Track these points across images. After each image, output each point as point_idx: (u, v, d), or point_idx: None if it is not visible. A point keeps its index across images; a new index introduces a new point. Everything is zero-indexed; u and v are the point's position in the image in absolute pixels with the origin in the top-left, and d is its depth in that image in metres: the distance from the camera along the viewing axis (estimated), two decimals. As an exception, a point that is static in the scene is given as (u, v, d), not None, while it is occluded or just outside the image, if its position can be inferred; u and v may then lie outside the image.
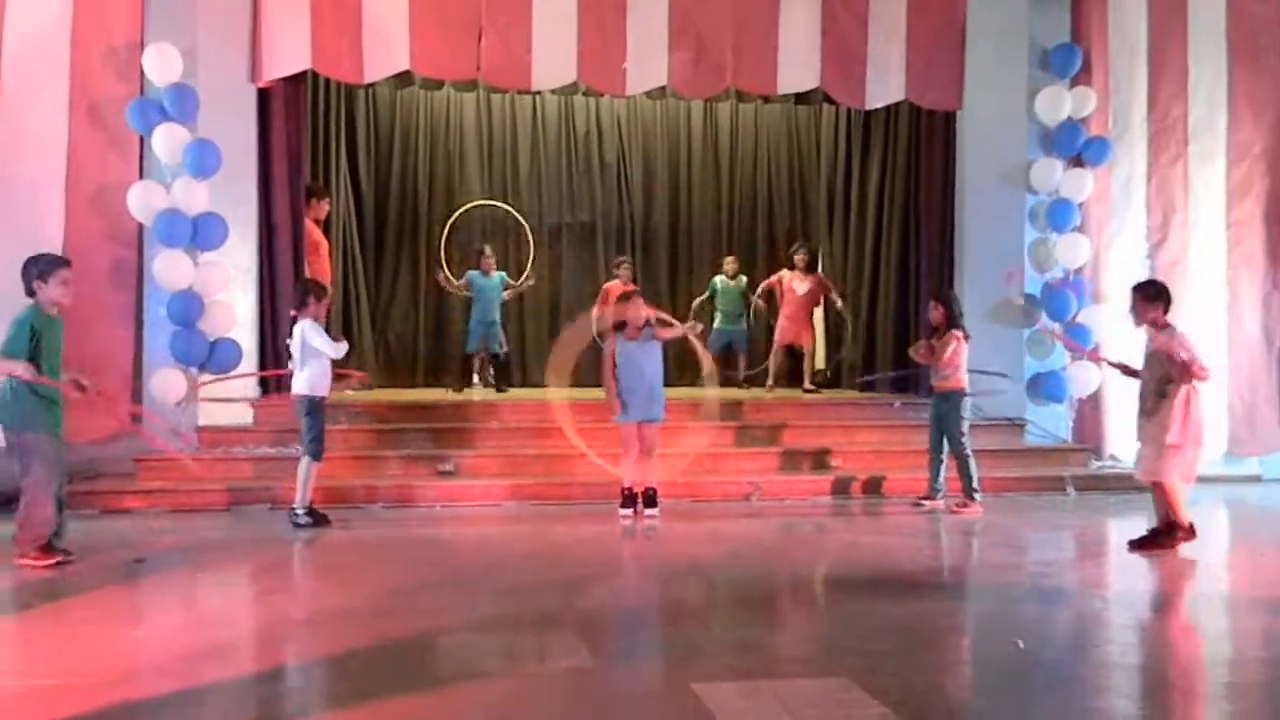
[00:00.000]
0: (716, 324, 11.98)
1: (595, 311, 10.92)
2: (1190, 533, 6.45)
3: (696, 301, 12.13)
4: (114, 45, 8.62)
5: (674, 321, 8.24)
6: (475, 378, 11.77)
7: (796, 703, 3.80)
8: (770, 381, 11.31)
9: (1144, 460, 6.51)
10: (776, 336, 11.43)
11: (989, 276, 9.89)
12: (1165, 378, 6.33)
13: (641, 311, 7.85)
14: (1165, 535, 6.51)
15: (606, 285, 11.78)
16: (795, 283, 11.34)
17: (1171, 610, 5.74)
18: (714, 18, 9.44)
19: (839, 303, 11.56)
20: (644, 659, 4.62)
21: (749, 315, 11.99)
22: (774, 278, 11.61)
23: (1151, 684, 4.37)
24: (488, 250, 11.47)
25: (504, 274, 11.56)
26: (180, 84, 8.52)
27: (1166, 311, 6.49)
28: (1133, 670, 4.50)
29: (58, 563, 5.97)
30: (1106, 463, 9.67)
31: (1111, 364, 7.53)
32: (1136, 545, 6.59)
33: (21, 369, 5.70)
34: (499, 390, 11.18)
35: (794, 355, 11.78)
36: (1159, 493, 6.48)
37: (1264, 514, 9.02)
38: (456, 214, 12.21)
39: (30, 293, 5.85)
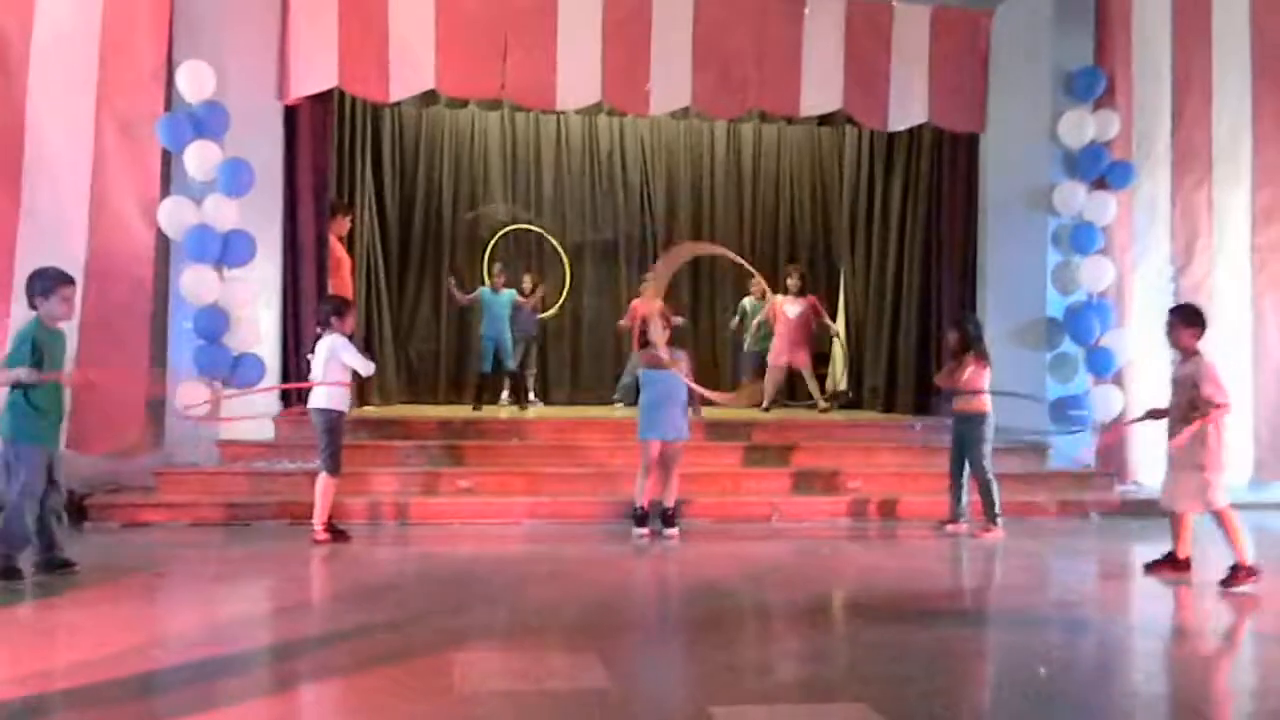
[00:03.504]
0: (747, 345, 12.07)
1: (623, 324, 11.57)
2: (1251, 573, 6.26)
3: (734, 323, 12.22)
4: (141, 62, 8.68)
5: (658, 344, 7.78)
6: (505, 395, 11.82)
7: (816, 728, 3.77)
8: (765, 403, 11.31)
9: (1169, 486, 6.50)
10: (770, 359, 11.49)
11: (1011, 299, 9.86)
12: (1191, 403, 6.30)
13: (658, 334, 7.77)
14: (1188, 565, 6.51)
15: (633, 303, 11.83)
16: (786, 306, 11.44)
17: (1196, 639, 5.66)
18: (738, 39, 9.47)
19: (831, 326, 11.83)
20: (662, 681, 4.59)
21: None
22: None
23: (1176, 714, 4.31)
24: (497, 268, 11.58)
25: (513, 292, 11.63)
26: (212, 101, 8.60)
27: (1200, 337, 6.44)
28: (1157, 700, 4.45)
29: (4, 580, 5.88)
30: (1130, 487, 9.57)
31: (1141, 419, 7.43)
32: (1152, 569, 6.61)
33: (24, 373, 5.78)
34: (521, 408, 11.22)
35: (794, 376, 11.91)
36: (1179, 521, 6.49)
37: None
38: (497, 236, 12.22)
39: (33, 306, 5.96)
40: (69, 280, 6.08)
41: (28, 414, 5.88)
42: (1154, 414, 6.80)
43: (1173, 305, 6.89)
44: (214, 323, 8.53)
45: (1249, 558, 6.31)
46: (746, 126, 13.45)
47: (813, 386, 11.55)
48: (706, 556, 7.38)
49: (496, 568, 6.92)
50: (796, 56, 9.60)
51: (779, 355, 11.46)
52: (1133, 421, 7.65)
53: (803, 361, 11.52)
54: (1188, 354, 6.44)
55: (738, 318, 12.35)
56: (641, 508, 7.73)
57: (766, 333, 11.90)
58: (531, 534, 7.96)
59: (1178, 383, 6.47)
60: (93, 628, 5.18)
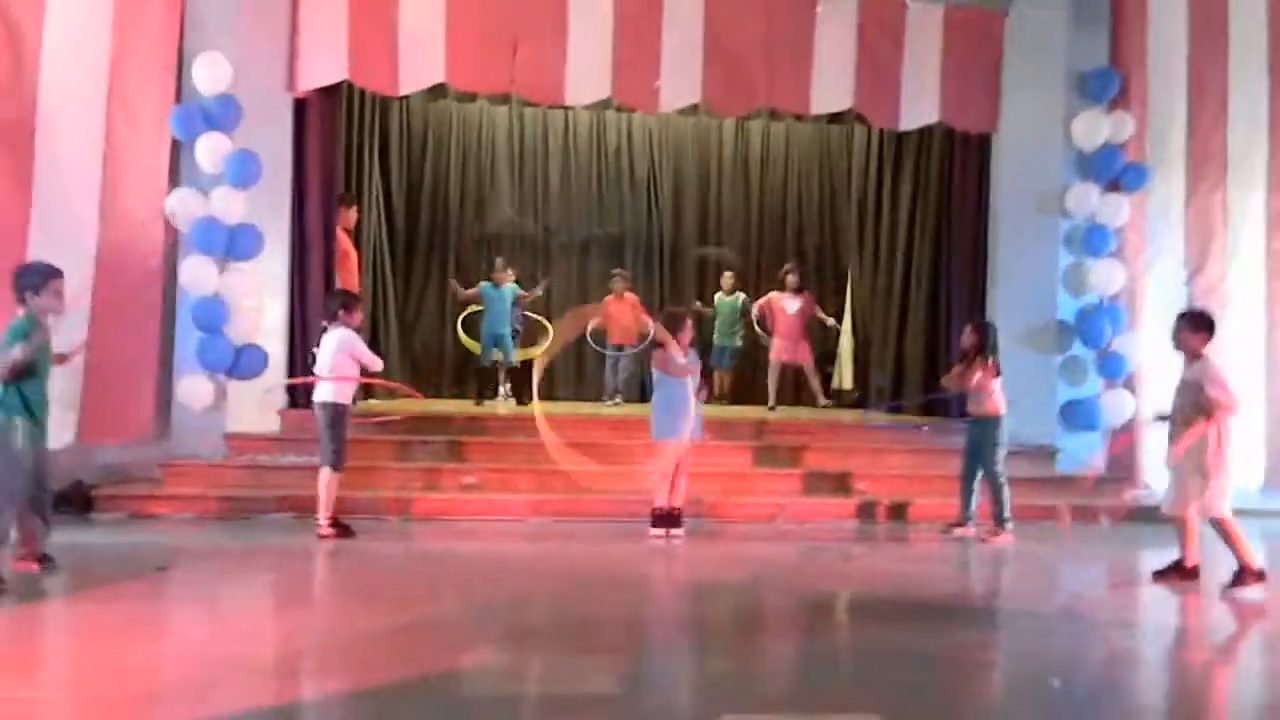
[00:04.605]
0: (715, 341, 12.11)
1: (594, 323, 11.57)
2: (1258, 576, 6.30)
3: (707, 312, 12.17)
4: (153, 54, 8.62)
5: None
6: (501, 390, 11.79)
7: (828, 739, 3.73)
8: (772, 402, 11.30)
9: (1170, 491, 6.48)
10: (772, 357, 11.45)
11: (1022, 301, 9.78)
12: (1197, 406, 6.26)
13: (686, 338, 7.76)
14: (1196, 573, 6.43)
15: (606, 299, 11.83)
16: (785, 302, 11.40)
17: (1207, 649, 5.60)
18: (748, 36, 9.41)
19: (827, 320, 11.80)
20: (671, 687, 4.54)
21: (744, 332, 12.19)
22: (764, 300, 11.65)
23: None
24: (499, 263, 11.49)
25: (515, 286, 11.56)
26: (225, 94, 8.55)
27: (1207, 342, 6.41)
28: (1168, 714, 4.40)
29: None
30: (1140, 492, 9.51)
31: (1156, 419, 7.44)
32: (1160, 576, 6.54)
33: (18, 350, 5.60)
34: (520, 403, 11.17)
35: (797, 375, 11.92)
36: (1185, 526, 6.40)
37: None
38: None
39: (22, 301, 5.78)
40: (59, 273, 5.92)
41: (18, 408, 5.72)
42: (1164, 417, 6.75)
43: (1180, 310, 6.85)
44: (213, 314, 8.47)
45: (1256, 562, 6.30)
46: (755, 123, 13.39)
47: (815, 383, 11.54)
48: (714, 557, 7.34)
49: (502, 566, 6.88)
50: (808, 54, 9.53)
51: (780, 353, 11.44)
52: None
53: (805, 357, 11.52)
54: (1194, 357, 6.41)
55: (714, 312, 12.27)
56: (661, 508, 7.68)
57: (734, 328, 11.93)
58: (537, 532, 7.92)
59: (1182, 387, 6.42)
60: (98, 625, 5.14)
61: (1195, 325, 6.44)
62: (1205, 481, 6.24)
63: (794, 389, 12.18)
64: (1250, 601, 6.18)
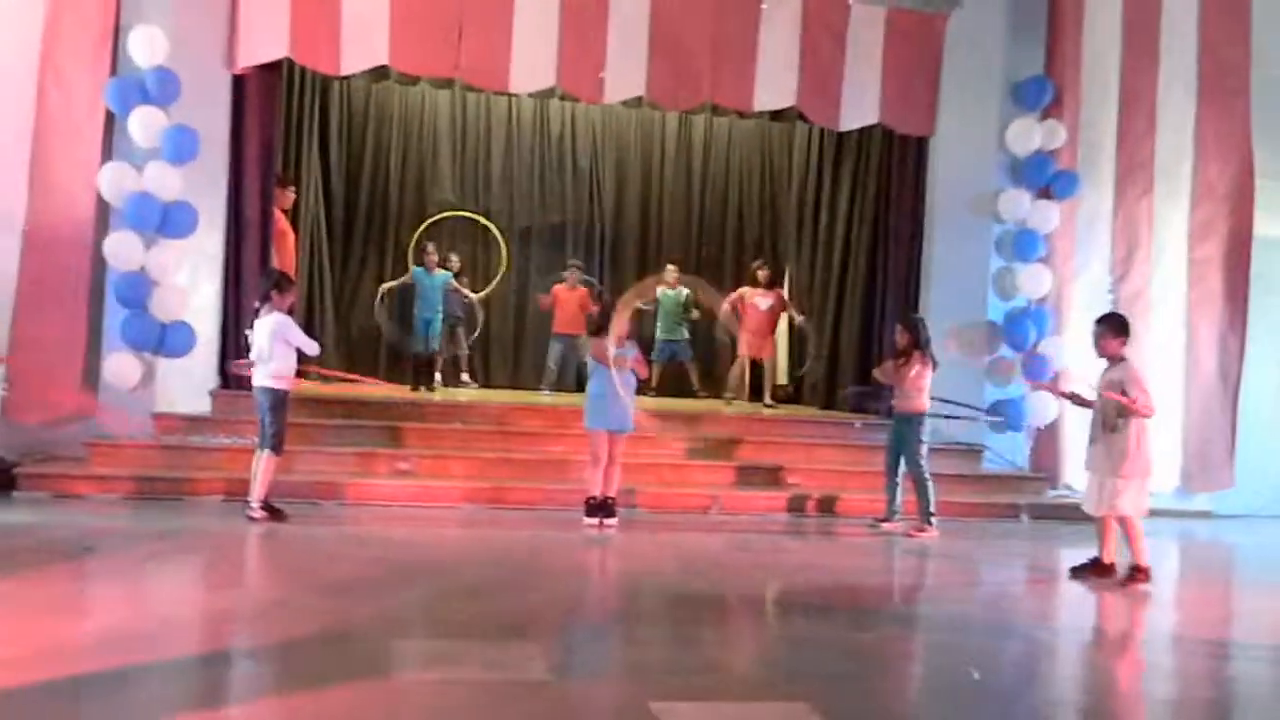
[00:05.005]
0: (658, 335, 12.03)
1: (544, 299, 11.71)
2: (1146, 575, 6.61)
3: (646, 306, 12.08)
4: (90, 25, 8.43)
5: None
6: (436, 377, 11.70)
7: (755, 727, 3.81)
8: (731, 394, 11.38)
9: (1091, 492, 6.74)
10: (740, 351, 11.49)
11: (952, 301, 9.97)
12: (1117, 409, 6.51)
13: (624, 329, 7.81)
14: (1111, 570, 6.70)
15: (555, 288, 11.80)
16: (757, 299, 11.44)
17: (1121, 647, 5.81)
18: (694, 32, 9.46)
19: (798, 319, 11.77)
20: (600, 674, 4.60)
21: (689, 325, 12.12)
22: (735, 294, 11.65)
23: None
24: (430, 248, 11.40)
25: (449, 274, 11.48)
26: (162, 68, 8.37)
27: (1125, 345, 6.71)
28: (1083, 709, 4.56)
29: None
30: (1061, 491, 9.78)
31: (1065, 395, 7.69)
32: (1077, 573, 6.80)
33: None
34: (414, 389, 11.00)
35: (756, 370, 11.91)
36: (1104, 526, 6.68)
37: (1214, 550, 9.20)
38: (428, 221, 11.94)
39: None
40: None
41: None
42: (1079, 400, 7.00)
43: (1099, 315, 7.11)
44: (137, 289, 8.29)
45: (1145, 560, 6.61)
46: (698, 117, 13.43)
47: (769, 382, 11.61)
48: (648, 548, 7.40)
49: (435, 552, 6.88)
50: (752, 52, 9.61)
51: (747, 348, 11.45)
52: (1065, 395, 7.80)
53: (770, 354, 11.59)
54: (1114, 360, 6.69)
55: (655, 306, 12.24)
56: (594, 498, 7.72)
57: (675, 322, 11.95)
58: (471, 519, 7.92)
59: (1104, 389, 6.65)
60: (18, 608, 5.04)
61: (1115, 329, 6.74)
62: (1117, 481, 6.49)
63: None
64: (1140, 592, 6.53)
